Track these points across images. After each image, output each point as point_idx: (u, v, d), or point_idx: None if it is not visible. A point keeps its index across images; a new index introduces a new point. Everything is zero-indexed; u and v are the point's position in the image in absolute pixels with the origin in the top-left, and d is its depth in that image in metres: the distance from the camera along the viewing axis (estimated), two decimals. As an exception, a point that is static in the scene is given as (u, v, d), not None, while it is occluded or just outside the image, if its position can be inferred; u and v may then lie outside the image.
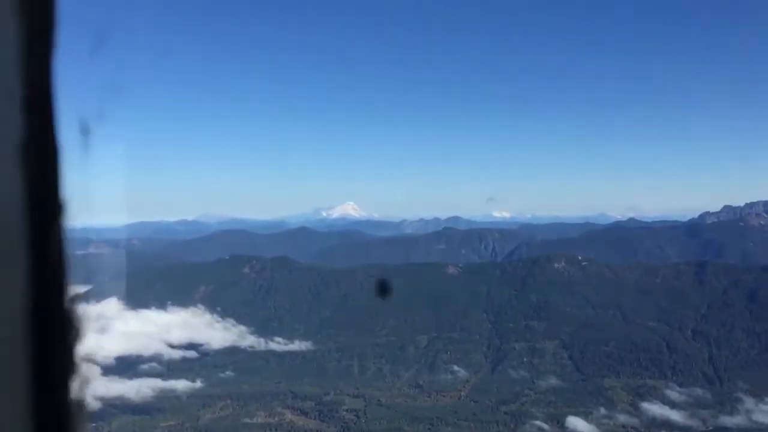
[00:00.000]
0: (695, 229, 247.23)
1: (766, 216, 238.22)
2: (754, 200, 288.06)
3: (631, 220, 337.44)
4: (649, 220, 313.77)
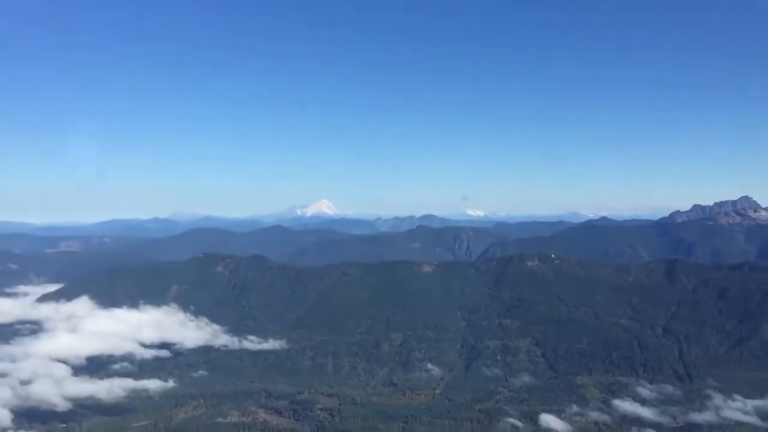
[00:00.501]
0: (666, 228, 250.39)
1: (734, 215, 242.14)
2: (723, 200, 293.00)
3: (602, 218, 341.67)
4: (621, 219, 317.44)
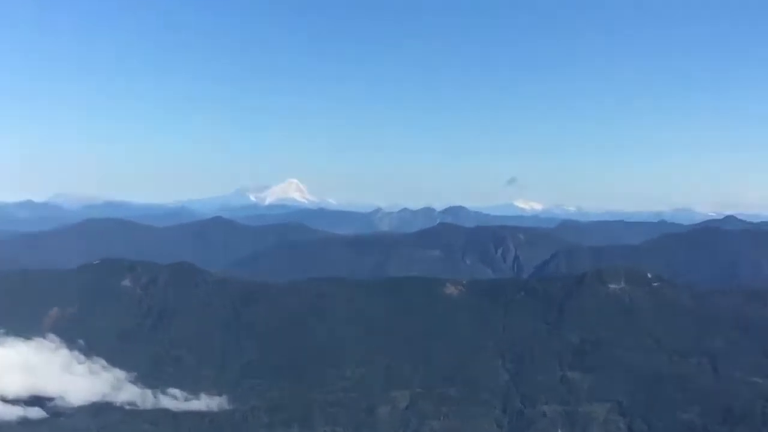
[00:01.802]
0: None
1: None
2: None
3: (728, 218, 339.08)
4: (757, 221, 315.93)
